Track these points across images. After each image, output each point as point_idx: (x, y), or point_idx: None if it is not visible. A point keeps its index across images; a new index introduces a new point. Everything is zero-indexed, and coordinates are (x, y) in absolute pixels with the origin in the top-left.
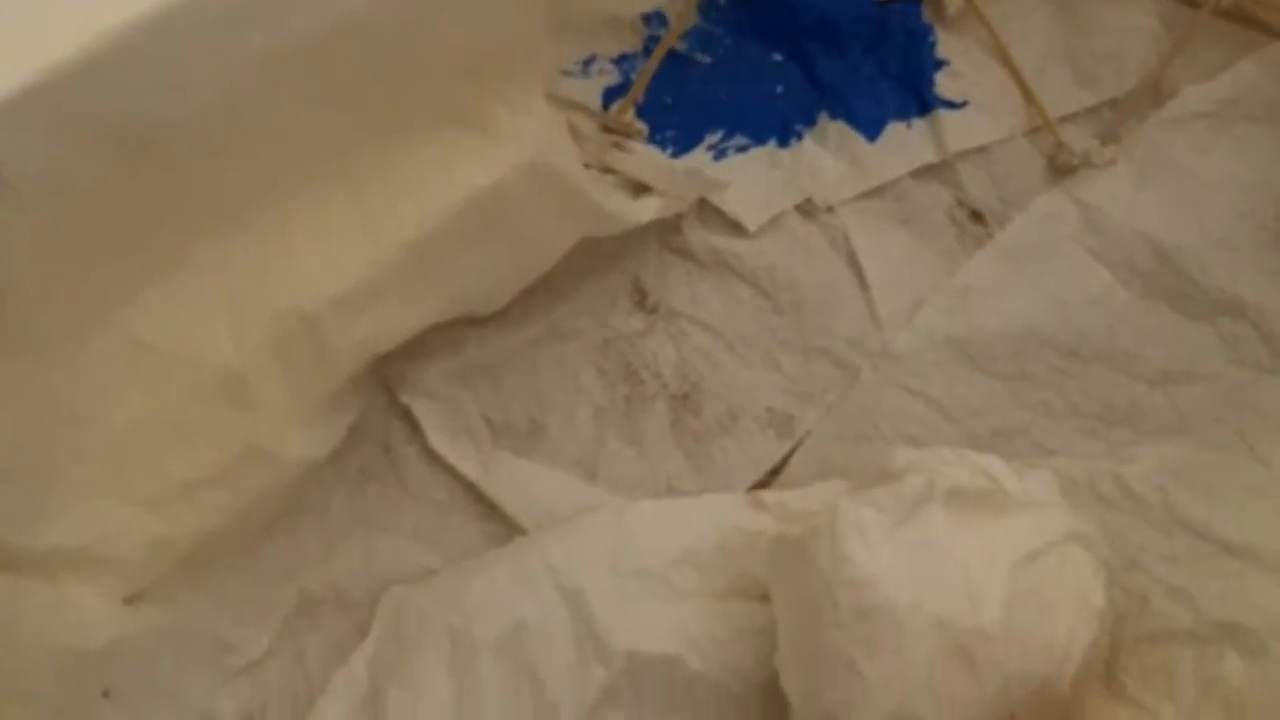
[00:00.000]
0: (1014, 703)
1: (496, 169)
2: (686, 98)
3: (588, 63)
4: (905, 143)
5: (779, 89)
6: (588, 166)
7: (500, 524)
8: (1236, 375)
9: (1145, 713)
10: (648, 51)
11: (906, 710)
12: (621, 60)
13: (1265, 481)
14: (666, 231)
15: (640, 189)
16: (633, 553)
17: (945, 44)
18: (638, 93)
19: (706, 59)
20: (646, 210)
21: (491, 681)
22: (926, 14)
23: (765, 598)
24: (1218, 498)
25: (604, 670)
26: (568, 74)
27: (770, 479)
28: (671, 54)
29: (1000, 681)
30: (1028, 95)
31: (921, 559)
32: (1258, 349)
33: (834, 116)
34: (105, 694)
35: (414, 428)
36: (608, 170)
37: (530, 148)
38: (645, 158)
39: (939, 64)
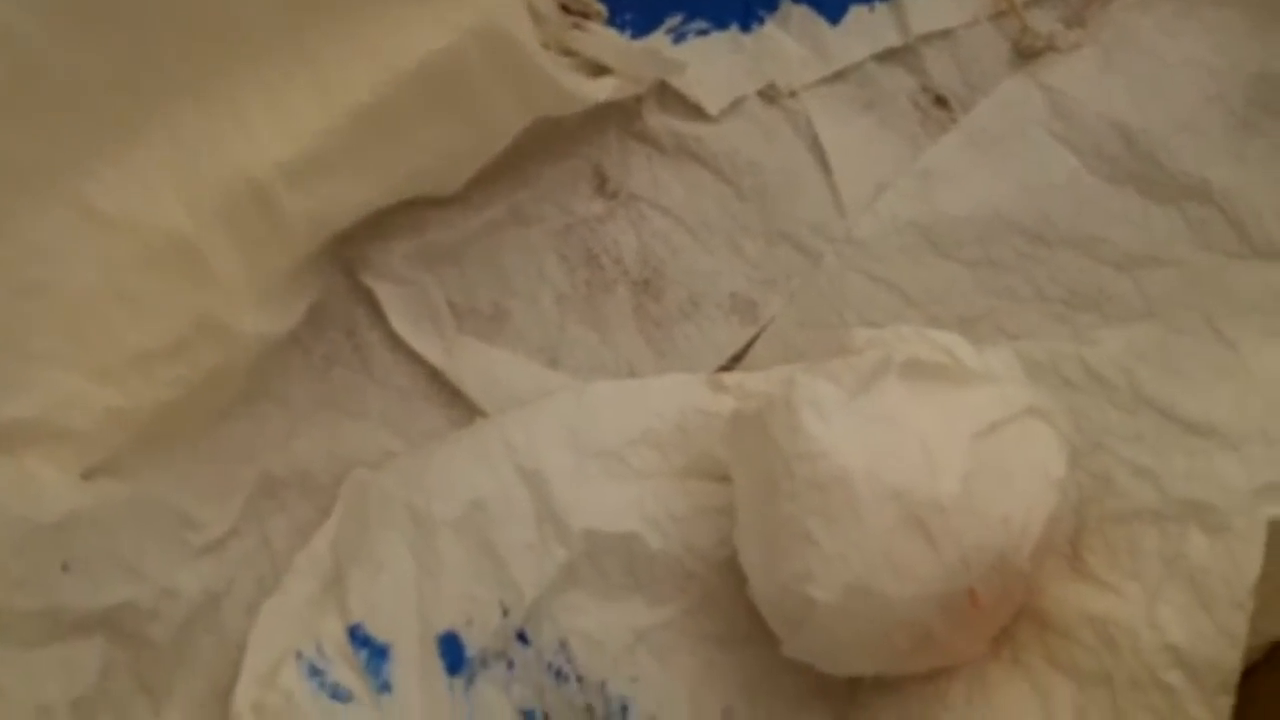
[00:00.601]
0: (972, 575)
1: (450, 32)
2: None
3: None
4: (868, 26)
5: None
6: (546, 47)
7: (464, 409)
8: (1203, 259)
9: (1110, 591)
10: None
11: (863, 581)
12: None
13: (1231, 363)
14: (627, 116)
15: (598, 70)
16: (592, 433)
17: None
18: None
19: None
20: (603, 89)
21: (452, 559)
22: None
23: (725, 477)
24: (1183, 379)
25: (564, 549)
26: None
27: (733, 365)
28: None
29: (958, 553)
30: None
31: (878, 430)
32: (1225, 233)
33: (796, 0)
34: (64, 567)
35: (378, 313)
36: (566, 52)
37: (484, 13)
38: (604, 38)
39: None
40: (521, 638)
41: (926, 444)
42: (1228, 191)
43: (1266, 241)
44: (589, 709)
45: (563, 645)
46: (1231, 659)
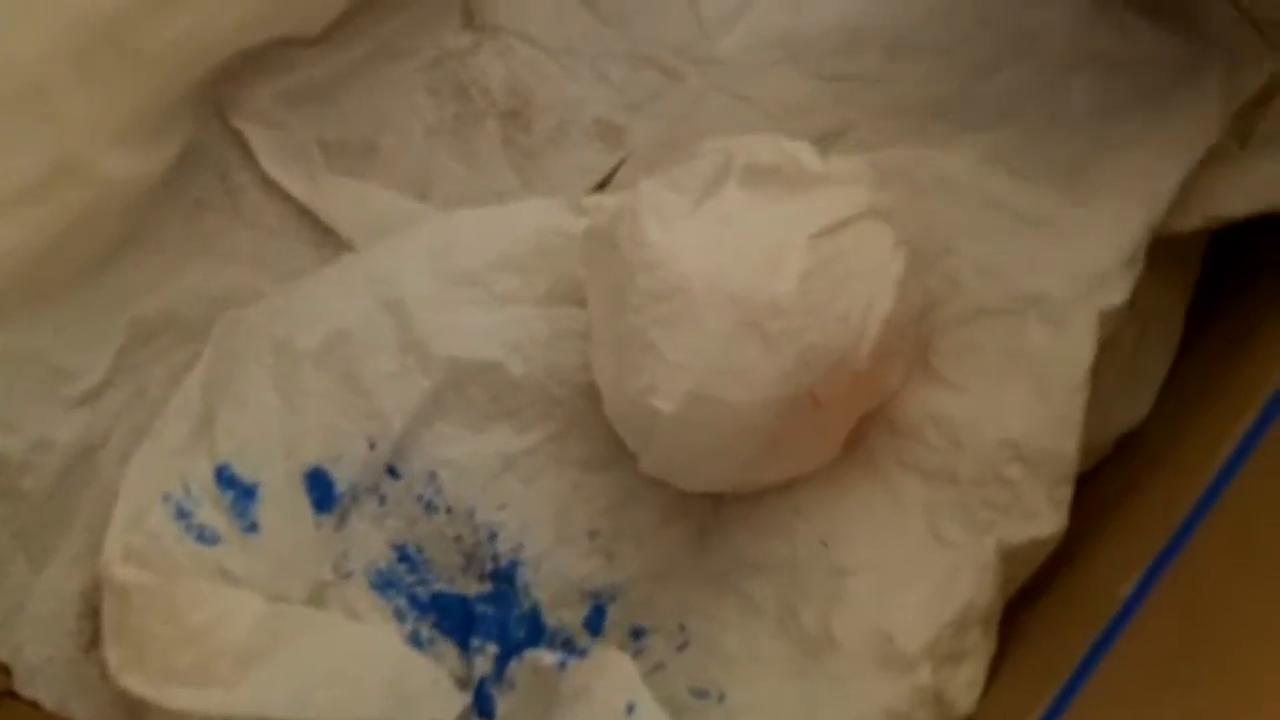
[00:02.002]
0: (813, 376)
1: None
2: None
3: None
4: None
5: None
6: None
7: (335, 247)
8: (1050, 69)
9: (955, 390)
10: None
11: (706, 388)
12: None
13: (1071, 158)
14: None
15: None
16: (454, 260)
17: None
18: None
19: None
20: None
21: (315, 391)
22: None
23: (585, 301)
24: (1028, 178)
25: (427, 379)
26: None
27: (599, 191)
28: None
29: (796, 353)
30: None
31: (718, 236)
32: (1065, 47)
33: None
34: None
35: (249, 155)
36: None
37: None
38: None
39: None
40: (392, 471)
41: (764, 246)
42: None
43: (1104, 44)
44: (458, 539)
45: (432, 476)
46: (1068, 448)
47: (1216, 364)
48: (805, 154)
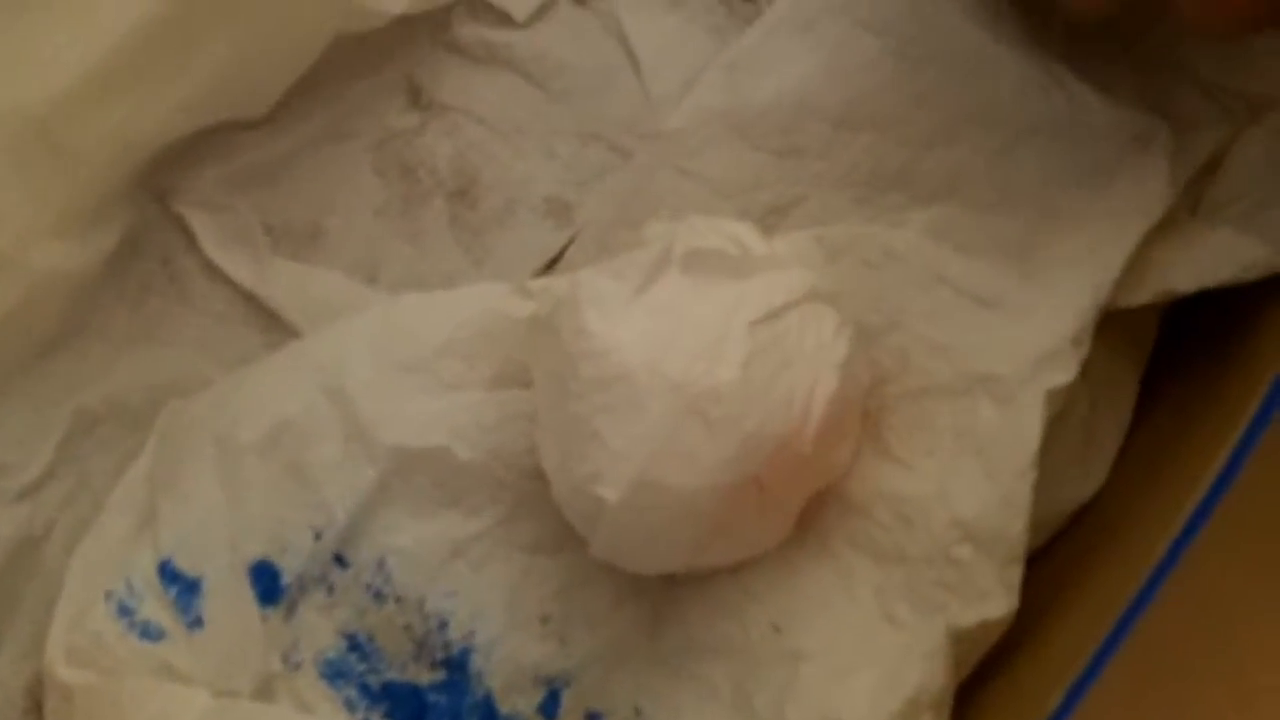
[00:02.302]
0: (757, 462)
1: None
2: None
3: None
4: None
5: None
6: None
7: (282, 333)
8: (997, 140)
9: (906, 469)
10: None
11: (650, 475)
12: None
13: (1019, 232)
14: (436, 27)
15: None
16: (398, 346)
17: None
18: None
19: None
20: (397, 3)
21: (259, 483)
22: None
23: (531, 384)
24: (976, 254)
25: (372, 467)
26: None
27: (550, 269)
28: None
29: (739, 440)
30: None
31: (659, 324)
32: (1013, 116)
33: None
34: None
35: (192, 240)
36: None
37: None
38: None
39: None
40: (340, 560)
41: (706, 333)
42: (1021, 67)
43: (1051, 114)
44: (409, 627)
45: (380, 565)
46: (1017, 528)
47: (1171, 430)
48: (749, 235)
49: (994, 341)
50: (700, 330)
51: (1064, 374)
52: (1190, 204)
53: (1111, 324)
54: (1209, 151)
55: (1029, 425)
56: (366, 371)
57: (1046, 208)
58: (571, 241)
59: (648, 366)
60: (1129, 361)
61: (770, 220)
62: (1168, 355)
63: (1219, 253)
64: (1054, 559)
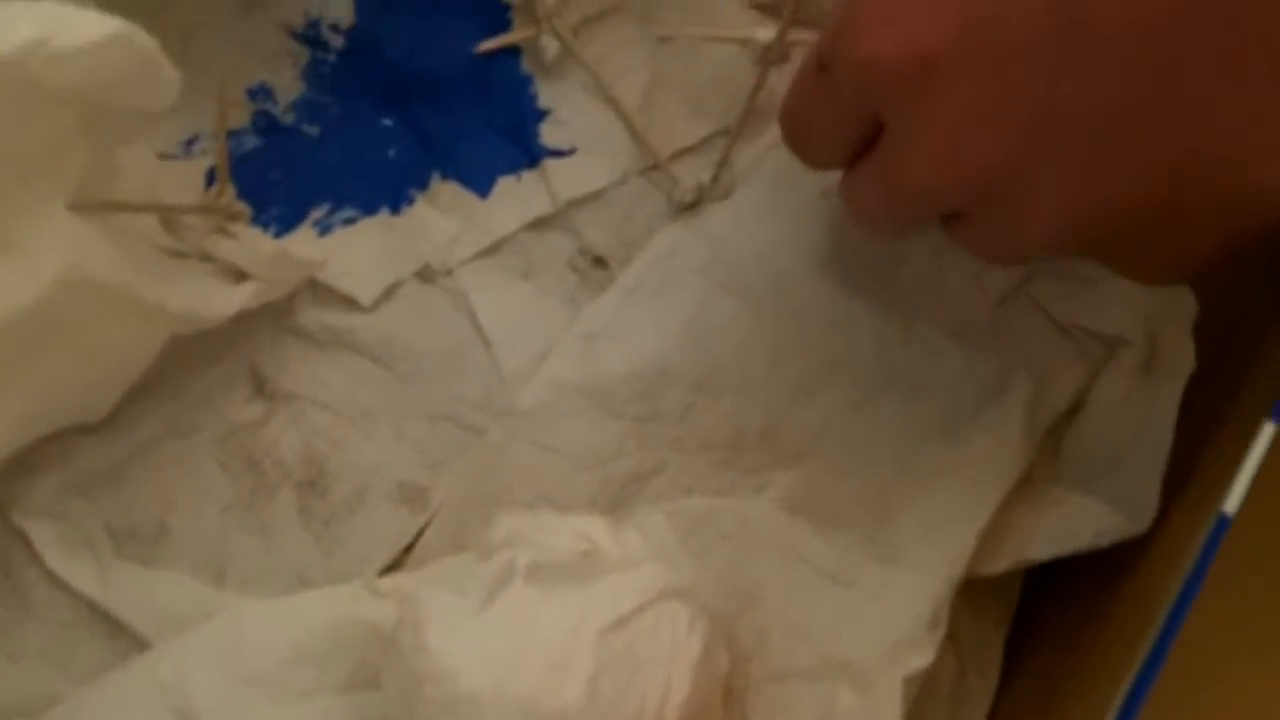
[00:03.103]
0: None
1: (31, 287)
2: (294, 172)
3: (190, 142)
4: (518, 195)
5: (390, 153)
6: (184, 256)
7: (129, 640)
8: (857, 394)
9: None
10: (257, 128)
11: None
12: (228, 138)
13: (877, 496)
14: (279, 314)
15: (244, 274)
16: (245, 657)
17: (549, 92)
18: (224, 178)
19: (315, 129)
20: (234, 302)
21: None
22: (526, 64)
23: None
24: (834, 528)
25: None
26: (168, 156)
27: (406, 555)
28: (278, 127)
29: None
30: (636, 135)
31: (503, 640)
32: (872, 369)
33: (445, 176)
34: None
35: (33, 551)
36: (208, 258)
37: (62, 261)
38: (243, 243)
39: (543, 113)
40: None
41: (552, 649)
42: (877, 323)
43: (909, 365)
44: None
45: None
46: None
47: (1040, 688)
48: (598, 531)
49: (851, 623)
50: (546, 646)
51: (921, 658)
52: (1052, 449)
53: (975, 586)
54: (1067, 398)
55: (888, 713)
56: (215, 688)
57: (905, 465)
58: (427, 526)
59: (493, 688)
60: (993, 621)
61: (631, 488)
62: (1033, 614)
63: (1075, 521)
64: None
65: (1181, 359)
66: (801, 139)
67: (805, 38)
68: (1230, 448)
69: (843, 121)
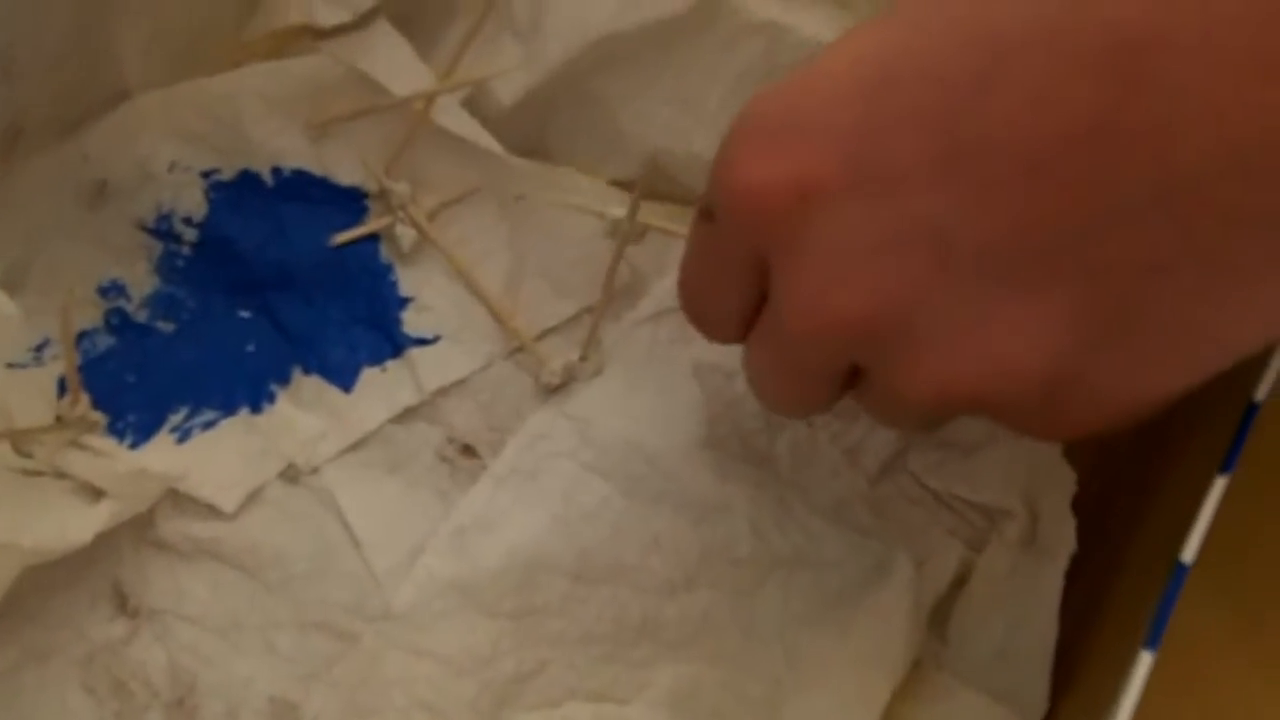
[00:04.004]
0: None
1: None
2: (150, 373)
3: (40, 348)
4: (383, 387)
5: (250, 347)
6: (37, 474)
7: None
8: (737, 581)
9: None
10: (110, 326)
11: None
12: (80, 339)
13: (763, 693)
14: (140, 526)
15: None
16: None
17: (409, 278)
18: (75, 390)
19: (170, 326)
20: (91, 526)
21: None
22: (385, 252)
23: None
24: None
25: None
26: (17, 366)
27: None
28: (132, 325)
29: None
30: (500, 318)
31: None
32: (751, 555)
33: (307, 371)
34: None
35: None
36: (62, 474)
37: None
38: (98, 458)
39: (405, 301)
40: None
41: None
42: (750, 509)
43: (789, 549)
44: None
45: None
46: None
47: None
48: None
49: None
50: None
51: None
52: (938, 630)
53: None
54: (949, 576)
55: None
56: None
57: (792, 656)
58: None
59: None
60: None
61: (511, 691)
62: None
63: (963, 717)
64: None
65: (1062, 537)
66: (697, 306)
67: (664, 225)
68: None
69: (730, 274)
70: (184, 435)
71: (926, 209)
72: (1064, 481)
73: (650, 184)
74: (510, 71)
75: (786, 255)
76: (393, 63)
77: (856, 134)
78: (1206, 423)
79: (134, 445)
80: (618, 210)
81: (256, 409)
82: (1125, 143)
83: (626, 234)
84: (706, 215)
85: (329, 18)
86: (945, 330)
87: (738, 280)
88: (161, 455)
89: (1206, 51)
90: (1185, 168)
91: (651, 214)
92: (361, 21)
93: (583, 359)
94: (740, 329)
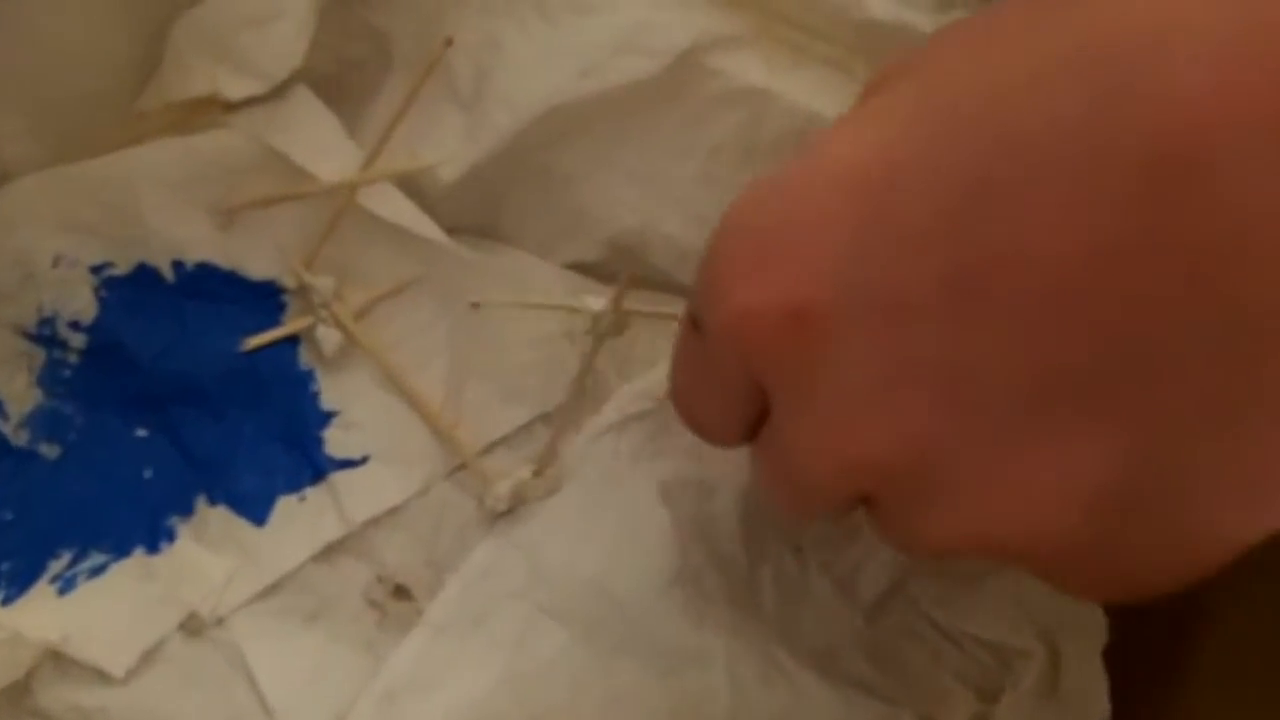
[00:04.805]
0: None
1: None
2: (31, 507)
3: None
4: (302, 520)
5: (148, 473)
6: None
7: None
8: None
9: None
10: None
11: None
12: None
13: None
14: (17, 694)
15: None
16: None
17: (333, 388)
18: None
19: (55, 450)
20: None
21: None
22: (306, 357)
23: None
24: None
25: None
26: None
27: None
28: (9, 451)
29: None
30: (440, 432)
31: None
32: (729, 713)
33: (214, 500)
34: None
35: None
36: None
37: None
38: None
39: (327, 416)
40: None
41: None
42: (733, 659)
43: (773, 708)
44: None
45: None
46: None
47: None
48: None
49: None
50: None
51: None
52: None
53: None
54: None
55: None
56: None
57: None
58: None
59: None
60: None
61: None
62: None
63: None
64: None
65: (1091, 694)
66: (690, 413)
67: (645, 308)
68: None
69: (726, 392)
70: (67, 585)
71: (936, 339)
72: (1094, 629)
73: (632, 271)
74: (449, 160)
75: (785, 391)
76: (314, 139)
77: (851, 254)
78: None
79: (7, 600)
80: (592, 301)
81: (154, 549)
82: (1171, 268)
83: (604, 328)
84: (695, 324)
85: (238, 90)
86: (969, 477)
87: (736, 399)
88: (40, 611)
89: (1270, 168)
90: (1250, 301)
91: (630, 302)
92: (277, 91)
93: (536, 474)
94: (742, 435)
